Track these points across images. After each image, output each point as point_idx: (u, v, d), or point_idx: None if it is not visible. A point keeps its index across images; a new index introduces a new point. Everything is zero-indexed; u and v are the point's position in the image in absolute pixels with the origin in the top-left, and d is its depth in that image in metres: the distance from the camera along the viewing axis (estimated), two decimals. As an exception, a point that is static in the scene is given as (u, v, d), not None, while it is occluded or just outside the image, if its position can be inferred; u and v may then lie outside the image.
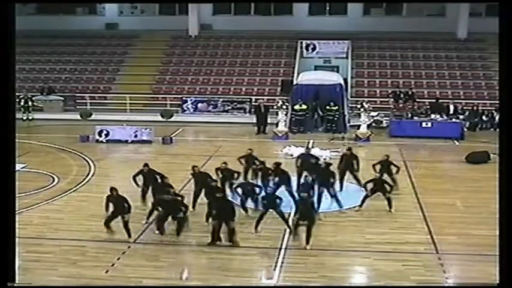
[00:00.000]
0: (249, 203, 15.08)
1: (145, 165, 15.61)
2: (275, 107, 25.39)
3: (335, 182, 15.80)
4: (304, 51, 31.51)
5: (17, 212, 12.98)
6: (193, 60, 32.91)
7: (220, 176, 15.85)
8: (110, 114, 28.09)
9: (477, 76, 30.70)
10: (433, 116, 25.31)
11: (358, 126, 24.73)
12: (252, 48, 33.51)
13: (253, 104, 28.06)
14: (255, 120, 26.55)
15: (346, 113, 26.17)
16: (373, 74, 31.38)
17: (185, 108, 29.08)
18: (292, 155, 21.15)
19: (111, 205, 13.52)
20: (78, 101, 30.11)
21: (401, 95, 27.86)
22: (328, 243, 13.33)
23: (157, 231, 13.75)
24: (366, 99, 26.34)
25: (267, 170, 16.03)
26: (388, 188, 15.38)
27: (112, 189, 13.57)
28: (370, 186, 15.54)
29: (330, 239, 13.58)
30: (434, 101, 27.14)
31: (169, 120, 28.37)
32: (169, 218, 13.81)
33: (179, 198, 14.14)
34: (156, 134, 23.97)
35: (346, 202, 15.70)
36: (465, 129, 25.47)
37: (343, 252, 12.91)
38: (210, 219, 13.58)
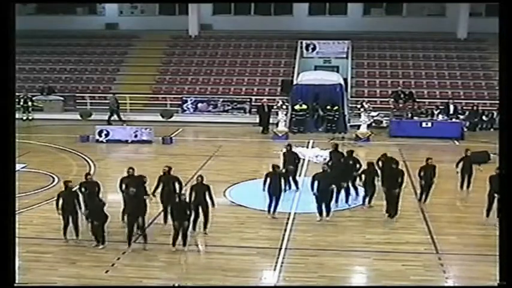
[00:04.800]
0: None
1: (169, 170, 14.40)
2: (275, 107, 25.41)
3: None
4: (304, 51, 31.49)
5: (17, 212, 12.98)
6: (193, 60, 32.89)
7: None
8: (110, 114, 28.06)
9: (477, 76, 30.68)
10: (440, 116, 25.25)
11: (358, 126, 24.74)
12: (252, 48, 33.49)
13: (256, 103, 28.04)
14: (257, 120, 26.55)
15: (346, 113, 26.18)
16: (373, 74, 31.36)
17: (185, 108, 29.08)
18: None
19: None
20: (78, 101, 30.13)
21: (402, 95, 27.85)
22: (328, 243, 13.32)
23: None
24: (366, 99, 26.36)
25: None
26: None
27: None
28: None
29: (330, 239, 13.58)
30: (447, 101, 27.00)
31: (169, 120, 28.36)
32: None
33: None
34: (156, 134, 23.96)
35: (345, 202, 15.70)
36: (465, 129, 25.47)
37: (343, 252, 12.91)
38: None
